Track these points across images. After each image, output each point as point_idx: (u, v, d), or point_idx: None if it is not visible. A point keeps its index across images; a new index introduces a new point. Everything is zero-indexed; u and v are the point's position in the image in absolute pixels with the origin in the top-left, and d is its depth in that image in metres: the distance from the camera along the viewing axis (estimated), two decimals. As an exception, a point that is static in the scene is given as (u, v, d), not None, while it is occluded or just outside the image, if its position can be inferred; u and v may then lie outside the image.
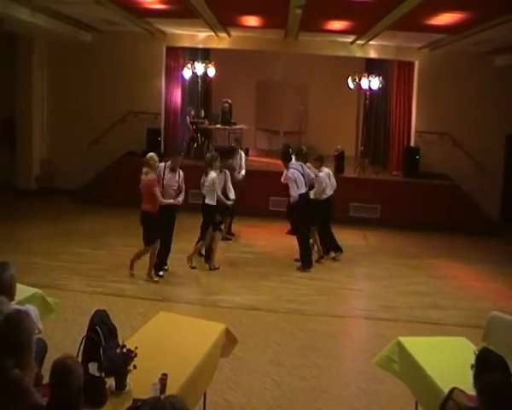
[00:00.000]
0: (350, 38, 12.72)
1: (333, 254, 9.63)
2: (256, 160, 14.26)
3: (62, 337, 5.87)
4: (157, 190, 7.82)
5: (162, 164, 8.11)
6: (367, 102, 14.43)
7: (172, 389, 3.44)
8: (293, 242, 9.24)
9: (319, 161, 9.42)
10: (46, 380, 3.06)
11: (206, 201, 8.59)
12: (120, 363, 3.48)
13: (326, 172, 9.40)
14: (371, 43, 12.83)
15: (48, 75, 14.04)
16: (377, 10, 9.29)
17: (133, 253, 9.32)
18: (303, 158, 9.16)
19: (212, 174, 8.55)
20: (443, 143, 13.23)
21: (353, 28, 11.35)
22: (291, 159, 9.15)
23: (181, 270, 8.77)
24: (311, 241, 9.31)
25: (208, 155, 9.02)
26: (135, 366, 3.50)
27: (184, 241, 9.19)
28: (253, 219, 11.63)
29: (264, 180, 12.21)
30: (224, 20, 11.37)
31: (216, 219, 8.66)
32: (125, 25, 12.03)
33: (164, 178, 8.05)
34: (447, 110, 13.22)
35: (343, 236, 11.19)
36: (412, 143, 13.63)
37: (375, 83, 13.41)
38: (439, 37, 11.50)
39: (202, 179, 8.67)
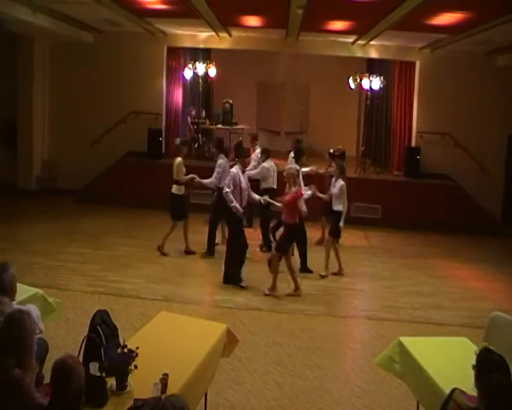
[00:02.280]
0: (351, 38, 12.72)
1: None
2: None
3: (63, 337, 5.87)
4: None
5: (234, 170, 7.95)
6: (368, 102, 14.44)
7: (173, 388, 3.44)
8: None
9: (265, 155, 9.92)
10: (47, 380, 3.05)
11: (335, 207, 8.62)
12: (121, 363, 3.48)
13: (271, 165, 9.86)
14: (372, 43, 12.83)
15: (49, 75, 14.06)
16: (378, 10, 9.29)
17: (134, 252, 9.38)
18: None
19: (341, 181, 8.61)
20: (444, 143, 13.22)
21: (354, 28, 11.35)
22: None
23: (182, 270, 8.79)
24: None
25: (341, 162, 9.11)
26: (136, 366, 3.50)
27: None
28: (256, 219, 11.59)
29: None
30: (225, 20, 11.37)
31: (340, 228, 8.64)
32: (126, 25, 12.04)
33: (241, 182, 7.93)
34: (448, 110, 13.22)
35: (345, 236, 11.16)
36: (413, 143, 13.62)
37: (376, 83, 13.42)
38: (441, 37, 11.50)
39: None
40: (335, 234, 8.76)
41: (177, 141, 9.32)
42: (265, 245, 9.78)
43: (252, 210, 10.60)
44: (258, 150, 10.50)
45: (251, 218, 10.86)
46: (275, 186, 9.80)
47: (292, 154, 9.68)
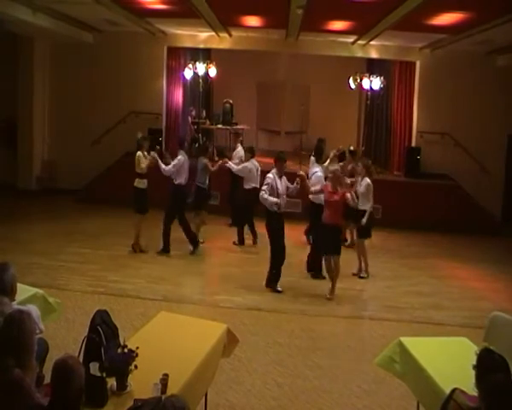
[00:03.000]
0: (351, 38, 12.72)
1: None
2: (258, 160, 14.17)
3: (64, 337, 5.87)
4: None
5: (271, 175, 7.80)
6: (368, 102, 14.45)
7: (173, 389, 3.43)
8: (298, 242, 9.25)
9: (250, 153, 10.24)
10: (47, 380, 3.05)
11: (362, 207, 8.49)
12: (121, 363, 3.48)
13: (256, 165, 10.22)
14: (372, 43, 12.83)
15: (49, 75, 14.07)
16: (378, 10, 9.29)
17: (134, 252, 9.37)
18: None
19: (367, 179, 8.57)
20: (444, 143, 13.23)
21: (354, 28, 11.36)
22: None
23: (182, 270, 8.79)
24: None
25: (367, 161, 9.15)
26: (136, 366, 3.50)
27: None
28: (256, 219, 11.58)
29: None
30: (225, 20, 11.37)
31: (364, 223, 8.60)
32: (126, 25, 12.05)
33: (278, 188, 7.78)
34: (448, 110, 13.23)
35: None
36: (413, 143, 13.63)
37: (376, 83, 13.42)
38: (441, 37, 11.50)
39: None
40: (364, 234, 8.75)
41: (139, 135, 9.43)
42: (239, 243, 10.31)
43: (233, 209, 11.24)
44: (239, 148, 11.03)
45: (234, 216, 11.33)
46: (258, 186, 9.92)
47: (312, 158, 9.33)
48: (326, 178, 8.49)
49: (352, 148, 10.74)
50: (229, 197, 11.37)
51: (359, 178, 8.85)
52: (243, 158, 10.68)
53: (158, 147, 9.76)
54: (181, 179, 9.23)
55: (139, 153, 9.08)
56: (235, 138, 11.52)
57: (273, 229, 7.85)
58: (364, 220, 8.52)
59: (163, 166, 9.09)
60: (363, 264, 8.95)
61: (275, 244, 7.93)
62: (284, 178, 7.94)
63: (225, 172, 10.55)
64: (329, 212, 7.70)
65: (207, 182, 9.99)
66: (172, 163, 9.17)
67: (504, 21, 8.94)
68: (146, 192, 9.17)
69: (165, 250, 9.41)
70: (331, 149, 10.11)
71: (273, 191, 7.70)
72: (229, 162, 10.32)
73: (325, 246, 7.81)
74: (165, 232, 9.38)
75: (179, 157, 9.22)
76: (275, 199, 7.65)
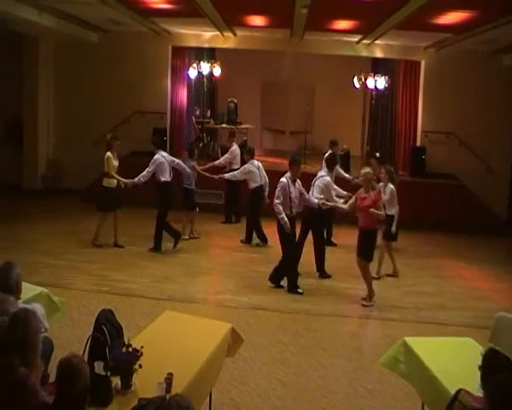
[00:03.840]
0: (356, 38, 12.70)
1: (257, 241, 10.32)
2: (263, 159, 14.17)
3: (68, 336, 5.89)
4: None
5: (284, 179, 7.74)
6: (373, 101, 14.43)
7: (178, 388, 3.44)
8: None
9: (249, 155, 10.40)
10: (52, 379, 3.07)
11: (388, 212, 8.40)
12: (126, 362, 3.49)
13: (255, 164, 10.34)
14: (377, 42, 12.80)
15: (54, 75, 14.10)
16: (383, 9, 9.28)
17: (139, 252, 9.39)
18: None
19: (391, 185, 8.57)
20: (449, 143, 13.18)
21: (359, 27, 11.34)
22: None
23: (186, 269, 8.80)
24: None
25: (389, 167, 9.02)
26: (140, 366, 3.50)
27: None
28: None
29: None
30: (230, 19, 11.38)
31: (394, 231, 8.61)
32: (131, 25, 12.06)
33: (291, 192, 7.72)
34: (453, 109, 13.18)
35: (349, 236, 11.15)
36: (418, 143, 13.59)
37: (380, 82, 13.41)
38: (446, 36, 11.47)
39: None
40: (392, 237, 8.76)
41: (108, 136, 9.54)
42: (246, 241, 10.34)
43: (229, 207, 11.55)
44: (234, 147, 11.31)
45: (230, 215, 11.65)
46: (263, 182, 10.21)
47: (324, 162, 9.39)
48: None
49: (378, 155, 10.70)
50: (230, 197, 11.47)
51: (381, 185, 8.71)
52: (238, 157, 11.10)
53: (165, 138, 9.85)
54: (165, 177, 9.29)
55: (108, 153, 9.17)
56: (230, 138, 11.62)
57: (284, 233, 7.77)
58: (394, 228, 8.57)
59: (137, 179, 9.16)
60: (377, 266, 8.91)
61: (286, 247, 7.90)
62: (298, 182, 7.88)
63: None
64: (361, 217, 7.59)
65: (194, 183, 10.25)
66: (148, 166, 9.23)
67: (509, 20, 8.91)
68: (113, 190, 9.31)
69: (157, 249, 9.46)
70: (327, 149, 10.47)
71: (286, 197, 7.66)
72: (218, 161, 11.00)
73: (358, 248, 7.70)
74: (158, 231, 9.42)
75: (155, 157, 9.30)
76: (286, 220, 7.59)
